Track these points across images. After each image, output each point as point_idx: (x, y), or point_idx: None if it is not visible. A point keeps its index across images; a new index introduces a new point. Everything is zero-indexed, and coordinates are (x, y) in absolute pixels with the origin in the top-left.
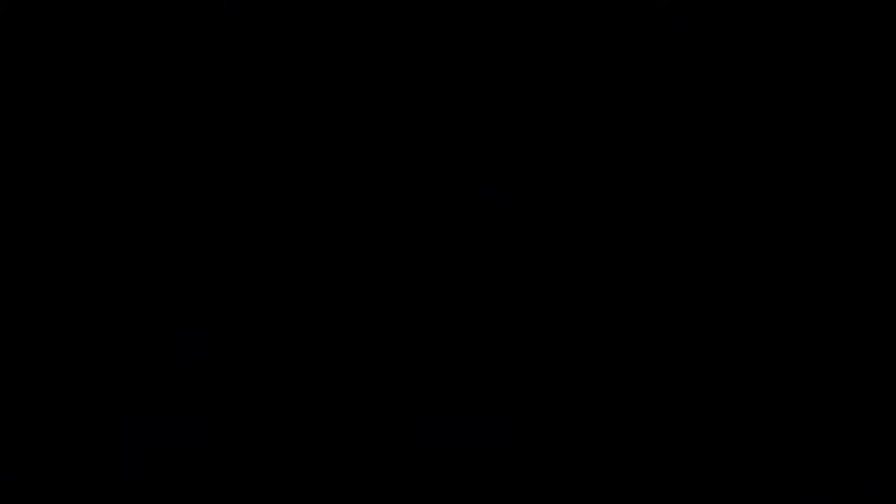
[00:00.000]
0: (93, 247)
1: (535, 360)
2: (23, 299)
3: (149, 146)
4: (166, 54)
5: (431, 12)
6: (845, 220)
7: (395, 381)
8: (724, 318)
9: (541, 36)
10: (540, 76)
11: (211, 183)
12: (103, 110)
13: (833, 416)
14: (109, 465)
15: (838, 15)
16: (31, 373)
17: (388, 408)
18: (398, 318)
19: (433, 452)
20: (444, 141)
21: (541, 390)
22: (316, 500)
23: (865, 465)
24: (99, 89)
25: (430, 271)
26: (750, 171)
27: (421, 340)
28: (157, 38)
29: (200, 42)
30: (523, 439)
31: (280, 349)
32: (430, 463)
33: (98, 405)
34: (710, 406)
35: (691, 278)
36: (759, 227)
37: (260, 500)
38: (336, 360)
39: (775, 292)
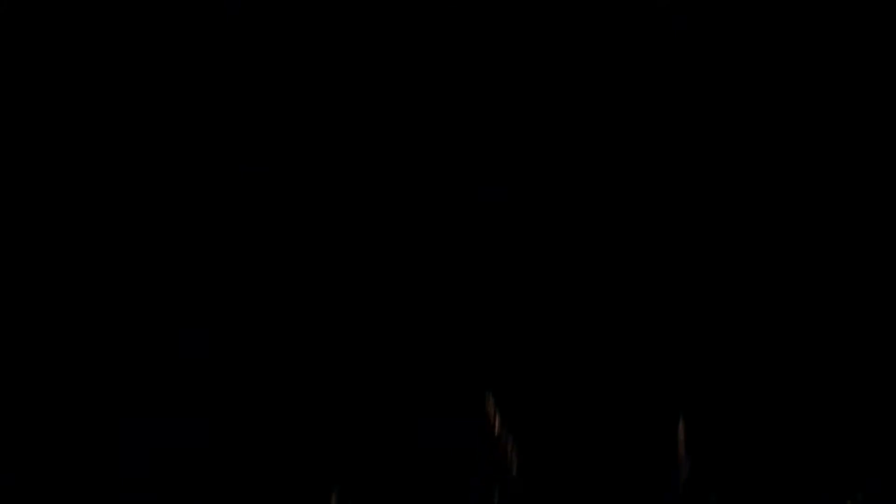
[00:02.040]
0: (93, 247)
1: (534, 360)
2: (23, 300)
3: (149, 146)
4: (166, 54)
5: (431, 13)
6: (845, 219)
7: (395, 381)
8: (724, 319)
9: (541, 36)
10: (540, 76)
11: (211, 183)
12: (104, 110)
13: (833, 416)
14: (109, 465)
15: (838, 15)
16: (31, 373)
17: (388, 408)
18: (398, 318)
19: (433, 452)
20: (444, 141)
21: (540, 390)
22: (316, 499)
23: (865, 465)
24: (99, 89)
25: (430, 271)
26: (749, 170)
27: (421, 340)
28: (157, 38)
29: (200, 42)
30: (523, 439)
31: (280, 349)
32: (430, 463)
33: (98, 405)
34: (710, 406)
35: (691, 278)
36: (758, 227)
37: (260, 500)
38: (336, 361)
39: (775, 293)
